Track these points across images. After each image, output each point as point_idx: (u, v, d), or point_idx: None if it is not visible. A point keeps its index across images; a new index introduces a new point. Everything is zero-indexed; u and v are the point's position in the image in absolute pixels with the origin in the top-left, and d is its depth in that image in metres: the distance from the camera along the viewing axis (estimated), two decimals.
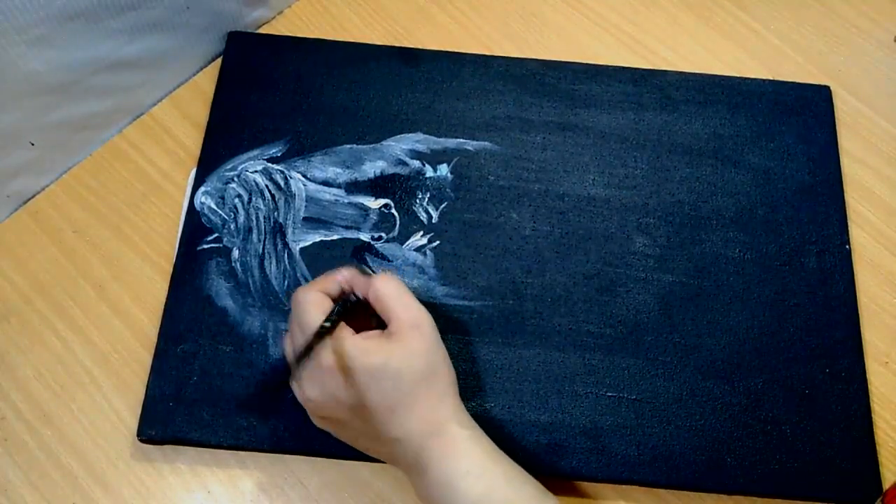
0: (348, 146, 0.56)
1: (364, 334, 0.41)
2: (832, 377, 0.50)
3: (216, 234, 0.53)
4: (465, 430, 0.41)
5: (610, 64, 0.60)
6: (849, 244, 0.55)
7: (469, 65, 0.60)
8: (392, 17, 0.63)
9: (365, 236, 0.53)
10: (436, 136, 0.57)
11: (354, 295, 0.43)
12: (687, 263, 0.54)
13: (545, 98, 0.59)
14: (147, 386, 0.48)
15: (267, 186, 0.54)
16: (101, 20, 0.50)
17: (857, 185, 0.58)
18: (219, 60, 0.60)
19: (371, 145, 0.56)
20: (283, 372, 0.48)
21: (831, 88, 0.60)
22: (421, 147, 0.56)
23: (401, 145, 0.56)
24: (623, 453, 0.48)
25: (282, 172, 0.55)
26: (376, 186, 0.55)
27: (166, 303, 0.51)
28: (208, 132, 0.56)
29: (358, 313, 0.43)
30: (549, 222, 0.54)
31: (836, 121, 0.59)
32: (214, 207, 0.54)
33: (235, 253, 0.52)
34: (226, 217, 0.53)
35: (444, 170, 0.56)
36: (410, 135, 0.57)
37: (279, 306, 0.51)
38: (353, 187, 0.55)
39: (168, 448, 0.48)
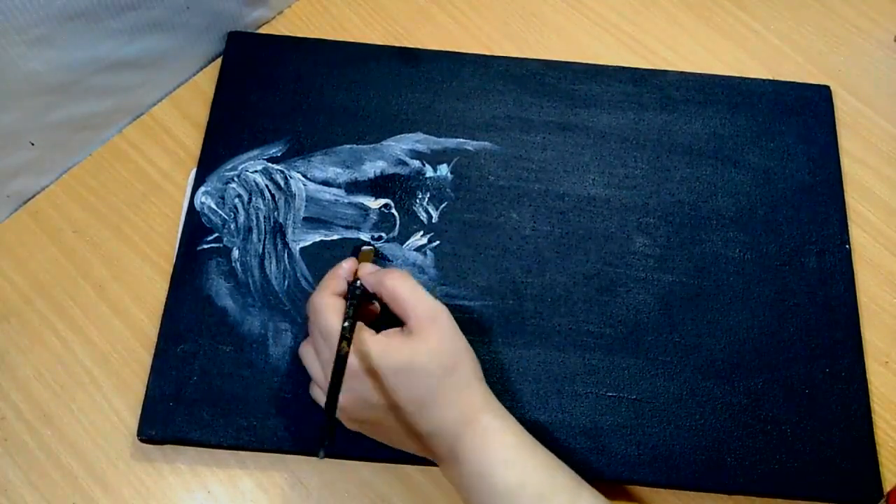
0: (348, 146, 0.56)
1: (384, 333, 0.42)
2: (832, 377, 0.50)
3: (216, 234, 0.53)
4: (496, 420, 0.41)
5: (610, 64, 0.60)
6: (849, 244, 0.55)
7: (469, 65, 0.60)
8: (392, 17, 0.63)
9: (365, 236, 0.53)
10: (436, 136, 0.57)
11: (359, 286, 0.44)
12: (687, 263, 0.54)
13: (545, 98, 0.59)
14: (147, 386, 0.48)
15: (267, 186, 0.54)
16: (101, 20, 0.50)
17: (857, 185, 0.58)
18: (219, 60, 0.60)
19: (371, 145, 0.56)
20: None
21: (831, 88, 0.60)
22: (421, 147, 0.56)
23: (401, 145, 0.56)
24: (623, 453, 0.48)
25: (282, 172, 0.55)
26: (376, 186, 0.55)
27: (166, 303, 0.51)
28: (208, 132, 0.56)
29: (361, 301, 0.44)
30: (549, 222, 0.54)
31: (836, 121, 0.59)
32: (214, 207, 0.54)
33: (235, 253, 0.52)
34: (226, 217, 0.53)
35: (444, 170, 0.56)
36: (410, 135, 0.57)
37: (279, 306, 0.51)
38: (353, 187, 0.55)
39: (168, 448, 0.48)
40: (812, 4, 0.65)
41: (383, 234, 0.53)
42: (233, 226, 0.53)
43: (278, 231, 0.53)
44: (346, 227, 0.54)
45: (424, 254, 0.53)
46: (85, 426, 0.49)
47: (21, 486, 0.47)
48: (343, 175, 0.55)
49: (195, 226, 0.53)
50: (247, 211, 0.54)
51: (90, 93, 0.53)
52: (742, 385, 0.50)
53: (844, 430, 0.49)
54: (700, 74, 0.60)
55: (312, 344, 0.43)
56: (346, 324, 0.40)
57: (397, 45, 0.61)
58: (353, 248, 0.53)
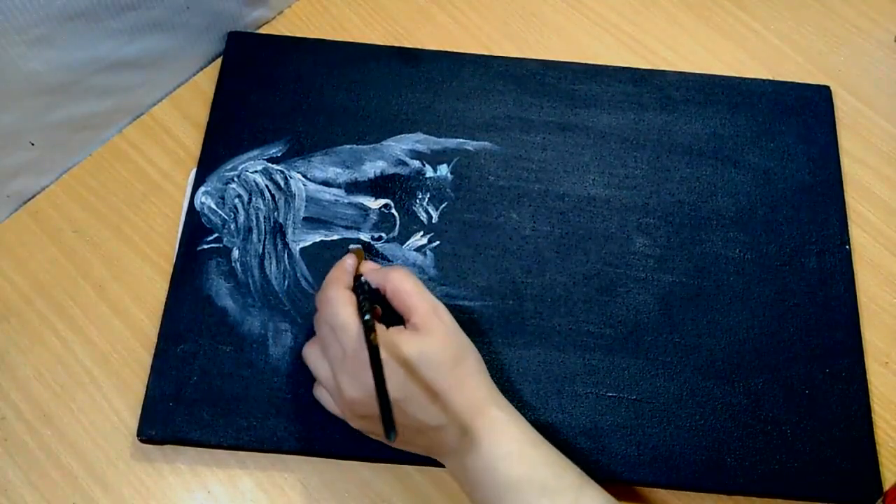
0: (348, 146, 0.56)
1: (392, 329, 0.42)
2: (832, 377, 0.50)
3: (216, 234, 0.53)
4: (502, 413, 0.42)
5: (610, 64, 0.60)
6: (849, 244, 0.55)
7: (469, 65, 0.60)
8: (392, 17, 0.63)
9: (365, 236, 0.53)
10: (436, 136, 0.57)
11: (365, 282, 0.44)
12: (687, 263, 0.54)
13: (545, 98, 0.59)
14: (147, 386, 0.48)
15: (267, 186, 0.54)
16: (101, 20, 0.50)
17: (857, 185, 0.58)
18: (219, 60, 0.60)
19: (371, 145, 0.56)
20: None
21: (831, 88, 0.60)
22: (421, 147, 0.56)
23: (401, 145, 0.56)
24: (623, 453, 0.48)
25: (282, 172, 0.55)
26: (376, 186, 0.55)
27: (166, 303, 0.51)
28: (208, 132, 0.56)
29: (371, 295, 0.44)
30: (549, 222, 0.54)
31: (836, 121, 0.59)
32: (214, 207, 0.54)
33: (235, 253, 0.52)
34: (226, 217, 0.53)
35: (444, 170, 0.56)
36: (410, 135, 0.57)
37: (279, 306, 0.51)
38: (353, 187, 0.55)
39: (168, 448, 0.48)
40: (812, 4, 0.65)
41: (383, 235, 0.53)
42: (233, 226, 0.53)
43: (278, 231, 0.53)
44: (346, 228, 0.54)
45: (424, 254, 0.53)
46: (85, 426, 0.49)
47: (21, 486, 0.47)
48: (343, 175, 0.55)
49: (195, 226, 0.53)
50: (247, 211, 0.54)
51: (90, 93, 0.53)
52: (742, 385, 0.50)
53: (844, 430, 0.49)
54: (700, 74, 0.60)
55: (319, 342, 0.43)
56: (367, 317, 0.40)
57: (397, 45, 0.61)
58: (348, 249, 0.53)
